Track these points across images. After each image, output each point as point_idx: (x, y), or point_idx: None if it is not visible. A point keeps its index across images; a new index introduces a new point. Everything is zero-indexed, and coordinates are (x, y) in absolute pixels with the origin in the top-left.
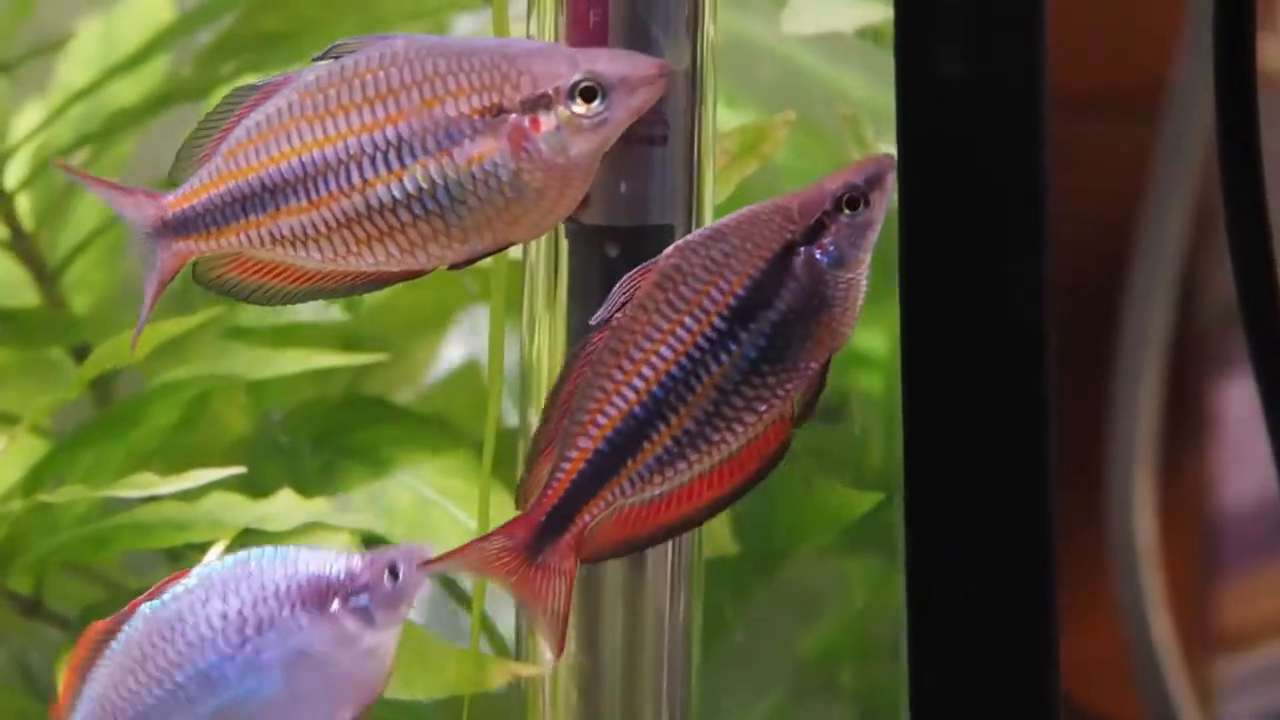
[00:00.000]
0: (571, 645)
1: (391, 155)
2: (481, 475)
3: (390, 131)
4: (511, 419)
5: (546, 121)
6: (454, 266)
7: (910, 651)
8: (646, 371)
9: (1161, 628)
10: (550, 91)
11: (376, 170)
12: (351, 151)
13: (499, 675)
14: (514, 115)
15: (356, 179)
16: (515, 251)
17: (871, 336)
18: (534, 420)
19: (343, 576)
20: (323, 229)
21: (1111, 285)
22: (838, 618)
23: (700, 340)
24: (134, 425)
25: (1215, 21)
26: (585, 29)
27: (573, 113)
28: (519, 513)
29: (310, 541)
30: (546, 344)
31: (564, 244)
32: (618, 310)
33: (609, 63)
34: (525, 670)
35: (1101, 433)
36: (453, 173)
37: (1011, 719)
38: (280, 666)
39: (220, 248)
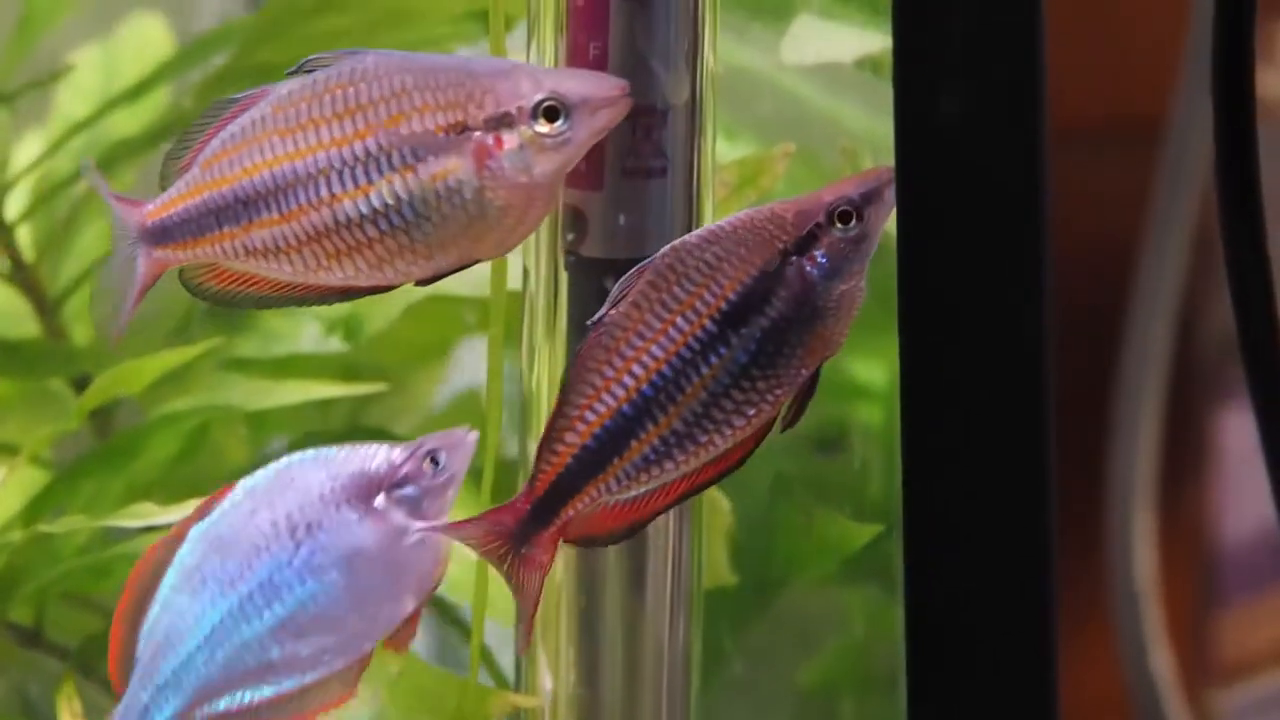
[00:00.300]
0: (571, 676)
1: (359, 170)
2: (480, 505)
3: (358, 146)
4: (511, 449)
5: (510, 140)
6: (420, 283)
7: (909, 683)
8: (637, 370)
9: (1161, 660)
10: (513, 110)
11: (344, 185)
12: (320, 165)
13: (498, 707)
14: (478, 133)
15: (325, 193)
16: (515, 282)
17: (871, 368)
18: (533, 451)
19: (384, 469)
20: (294, 242)
21: (1111, 319)
22: (837, 649)
23: (691, 341)
24: (134, 456)
25: (1214, 53)
26: (585, 60)
27: (535, 132)
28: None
29: None
30: (546, 375)
31: (563, 275)
32: (612, 308)
33: (572, 83)
34: (524, 701)
35: (1101, 465)
36: (417, 189)
37: None
38: (336, 567)
39: (197, 257)
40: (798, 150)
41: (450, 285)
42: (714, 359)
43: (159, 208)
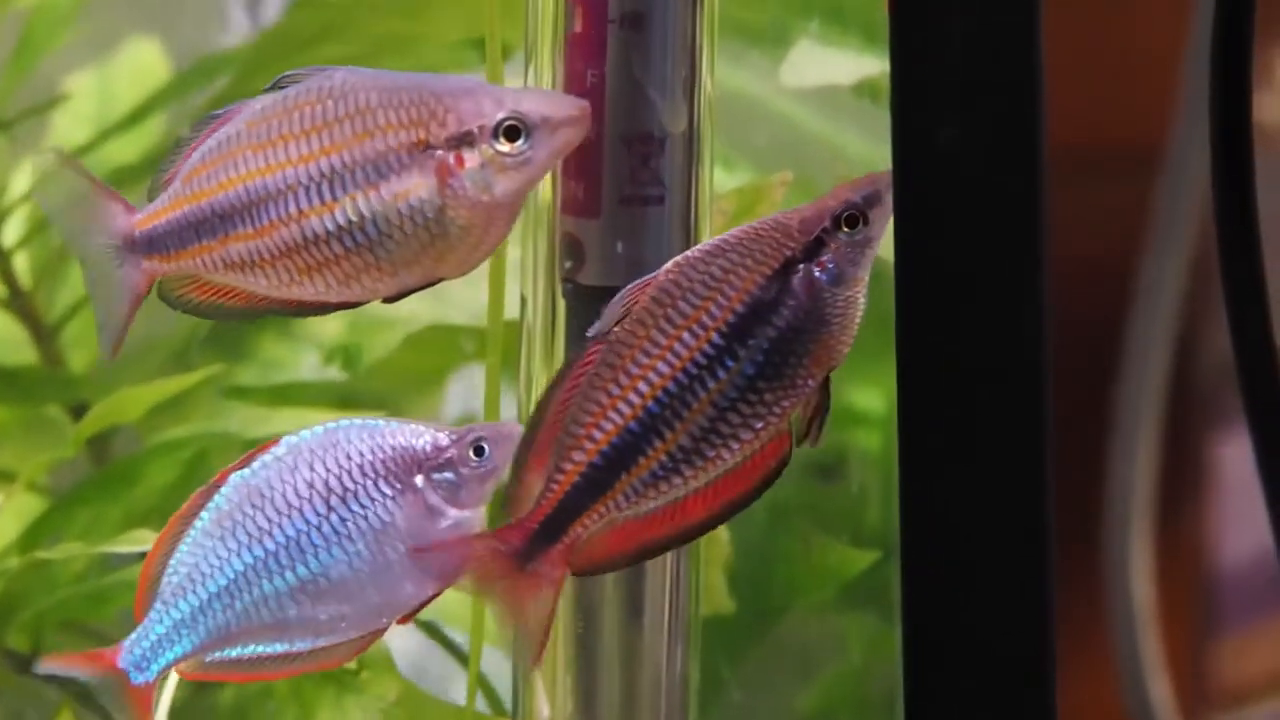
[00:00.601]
0: (569, 704)
1: (325, 187)
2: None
3: (325, 163)
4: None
5: (471, 159)
6: (387, 300)
7: (907, 710)
8: (643, 386)
9: (1159, 686)
10: (475, 129)
11: (311, 201)
12: (289, 181)
13: None
14: (440, 152)
15: (294, 209)
16: (513, 311)
17: (869, 395)
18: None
19: (429, 449)
20: (267, 256)
21: (1108, 344)
22: (835, 676)
23: (698, 356)
24: (132, 483)
25: (1212, 79)
26: (583, 87)
27: (496, 151)
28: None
29: None
30: None
31: (561, 303)
32: (615, 324)
33: (533, 102)
34: None
35: (1098, 490)
36: (380, 207)
37: None
38: (363, 538)
39: (180, 269)
40: (795, 178)
41: (449, 313)
42: (721, 373)
43: (147, 217)
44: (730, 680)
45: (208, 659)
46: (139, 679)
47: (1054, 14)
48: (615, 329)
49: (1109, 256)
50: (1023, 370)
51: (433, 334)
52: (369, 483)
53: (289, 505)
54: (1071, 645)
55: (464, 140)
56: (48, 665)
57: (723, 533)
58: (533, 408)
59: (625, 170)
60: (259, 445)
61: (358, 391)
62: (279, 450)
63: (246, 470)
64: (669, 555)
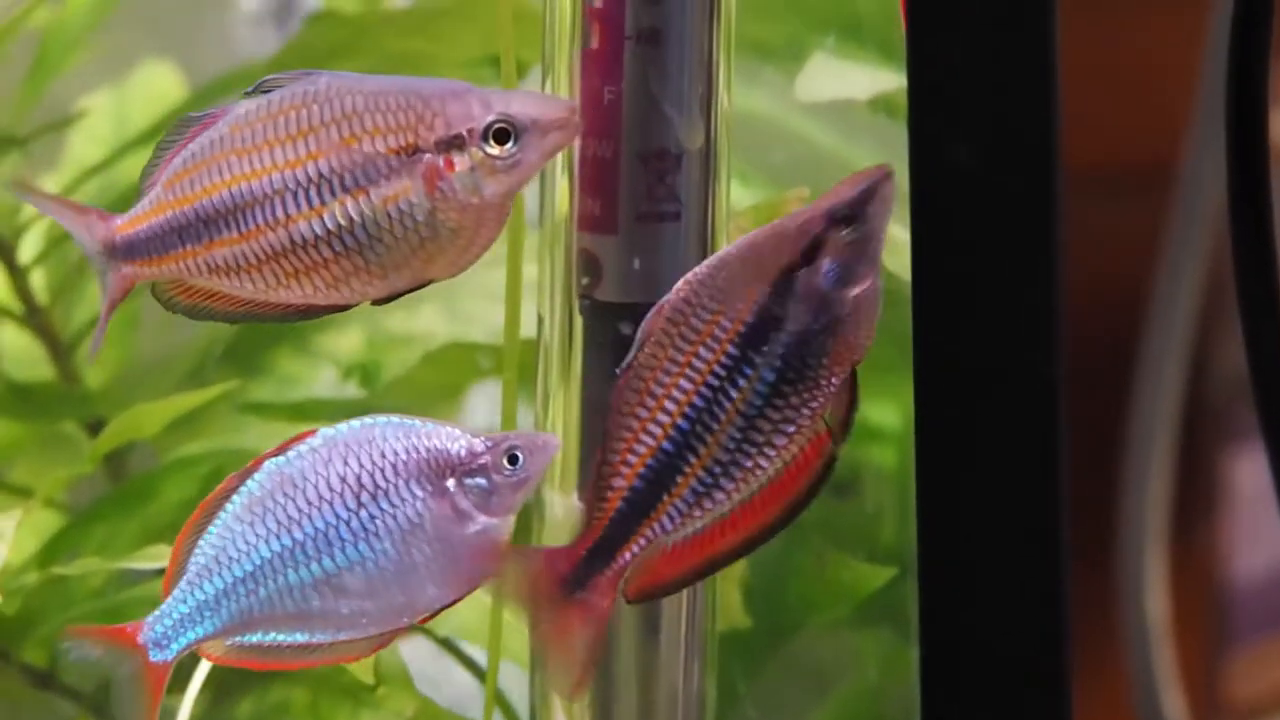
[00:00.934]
0: None
1: (312, 191)
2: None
3: (311, 168)
4: None
5: (460, 162)
6: (376, 302)
7: None
8: (669, 405)
9: (1173, 699)
10: (463, 132)
11: (299, 206)
12: (275, 186)
13: None
14: (429, 155)
15: (280, 213)
16: (529, 328)
17: (884, 411)
18: (547, 495)
19: (463, 454)
20: (253, 260)
21: (1123, 360)
22: (850, 693)
23: (717, 369)
24: (149, 500)
25: (1227, 97)
26: (600, 105)
27: (485, 154)
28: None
29: None
30: (560, 420)
31: (578, 320)
32: (639, 352)
33: (521, 105)
34: None
35: (1113, 506)
36: (369, 211)
37: None
38: (390, 537)
39: (163, 274)
40: (812, 194)
41: (467, 331)
42: (742, 382)
43: (129, 222)
44: (746, 696)
45: (227, 643)
46: (158, 656)
47: (1070, 33)
48: (636, 355)
49: (1124, 273)
50: (1038, 386)
51: (451, 351)
52: (401, 482)
53: (320, 497)
54: (1086, 660)
55: (453, 143)
56: (69, 638)
57: None
58: (548, 424)
59: (642, 187)
60: (296, 435)
61: (375, 408)
62: (315, 441)
63: (281, 458)
64: None
